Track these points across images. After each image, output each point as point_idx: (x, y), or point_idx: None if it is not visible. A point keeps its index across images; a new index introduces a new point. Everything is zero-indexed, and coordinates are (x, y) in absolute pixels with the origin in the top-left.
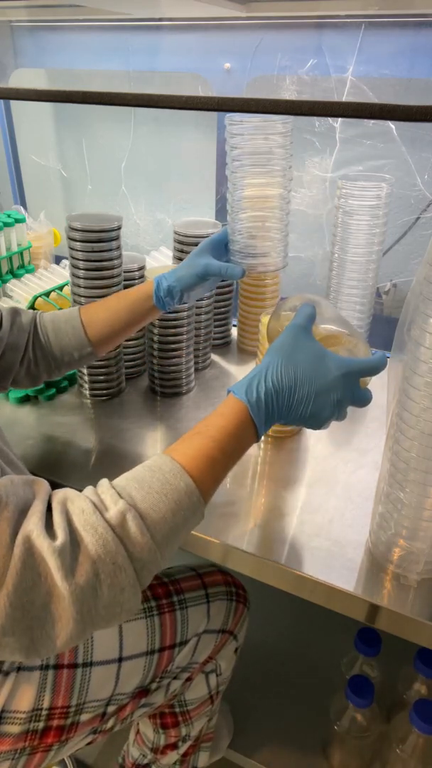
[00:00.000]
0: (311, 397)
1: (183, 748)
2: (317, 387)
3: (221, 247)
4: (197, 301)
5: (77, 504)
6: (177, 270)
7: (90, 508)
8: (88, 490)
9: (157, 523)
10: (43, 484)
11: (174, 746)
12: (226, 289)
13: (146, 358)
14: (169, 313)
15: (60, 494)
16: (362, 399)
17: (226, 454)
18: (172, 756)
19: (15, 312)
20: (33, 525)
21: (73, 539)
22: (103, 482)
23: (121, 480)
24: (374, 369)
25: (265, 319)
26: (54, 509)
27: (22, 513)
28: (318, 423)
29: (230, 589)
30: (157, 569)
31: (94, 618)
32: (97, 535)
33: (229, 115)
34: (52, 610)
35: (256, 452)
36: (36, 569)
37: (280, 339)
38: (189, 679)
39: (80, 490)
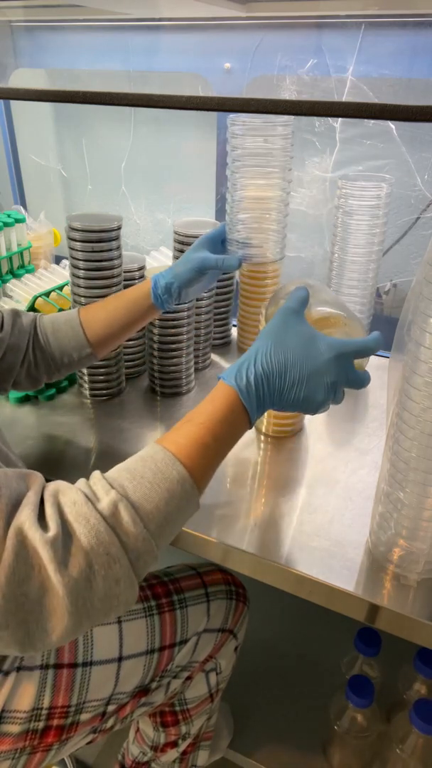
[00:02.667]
0: (303, 381)
1: (183, 746)
2: (309, 369)
3: (218, 243)
4: (197, 300)
5: (69, 496)
6: (174, 267)
7: (81, 500)
8: (81, 482)
9: (150, 512)
10: (37, 477)
11: (174, 744)
12: (226, 289)
13: (146, 358)
14: (169, 313)
15: (52, 486)
16: (358, 381)
17: (219, 441)
18: (172, 754)
19: (16, 314)
20: (25, 517)
21: (66, 531)
22: (95, 474)
23: (113, 471)
24: (368, 350)
25: (264, 309)
26: (46, 501)
27: (15, 505)
28: (313, 407)
29: (230, 588)
30: (154, 560)
31: (90, 611)
32: (89, 526)
33: (231, 115)
34: (46, 604)
35: (256, 452)
36: (29, 561)
37: (271, 323)
38: (189, 678)
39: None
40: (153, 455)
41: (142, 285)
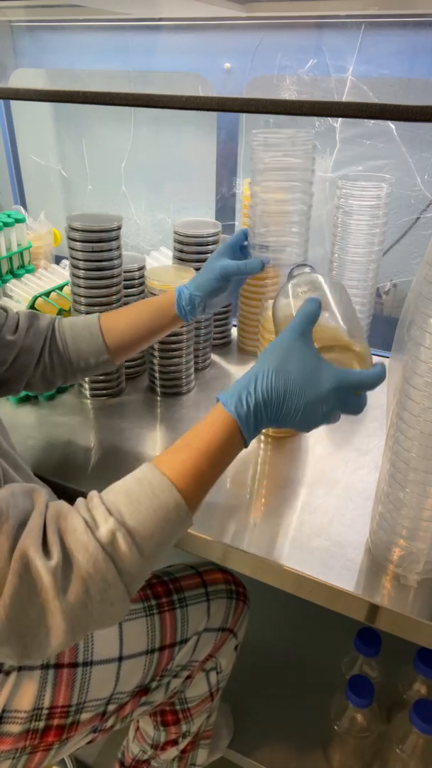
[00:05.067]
0: (300, 409)
1: (182, 745)
2: (307, 399)
3: (236, 249)
4: None
5: (70, 522)
6: (195, 278)
7: (81, 527)
8: (80, 504)
9: (145, 539)
10: (42, 494)
11: (174, 742)
12: None
13: (146, 358)
14: None
15: (54, 508)
16: (354, 408)
17: (214, 467)
18: (172, 752)
19: (33, 316)
20: (30, 542)
21: (66, 558)
22: (94, 497)
23: (111, 494)
24: (370, 384)
25: (267, 312)
26: (48, 526)
27: (21, 526)
28: (307, 429)
29: (230, 587)
30: (145, 579)
31: (86, 628)
32: (88, 555)
33: (254, 130)
34: (45, 623)
35: (256, 452)
36: (32, 584)
37: (275, 343)
38: (189, 677)
39: (77, 494)
40: (150, 480)
41: (167, 295)
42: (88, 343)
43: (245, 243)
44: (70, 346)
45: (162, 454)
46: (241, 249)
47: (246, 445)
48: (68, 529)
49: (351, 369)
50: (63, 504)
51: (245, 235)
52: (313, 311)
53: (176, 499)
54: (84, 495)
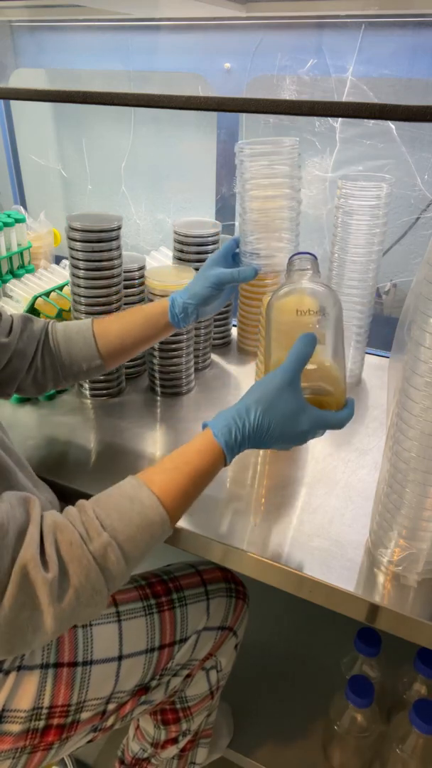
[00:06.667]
0: (279, 439)
1: (182, 743)
2: (288, 435)
3: (229, 258)
4: None
5: (66, 536)
6: (190, 287)
7: (77, 541)
8: (74, 516)
9: (132, 552)
10: (35, 504)
11: (174, 741)
12: None
13: (146, 358)
14: None
15: (50, 520)
16: (334, 427)
17: (198, 489)
18: (172, 750)
19: (27, 319)
20: (30, 556)
21: (62, 571)
22: (87, 508)
23: (103, 508)
24: (340, 426)
25: (265, 299)
26: (45, 538)
27: (19, 539)
28: (287, 449)
29: (230, 586)
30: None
31: (68, 627)
32: (81, 567)
33: (238, 143)
34: (35, 624)
35: (256, 452)
36: (29, 593)
37: (268, 384)
38: (189, 676)
39: (77, 494)
40: (142, 500)
41: (160, 303)
42: (81, 347)
43: (237, 250)
44: (63, 351)
45: (151, 471)
46: (233, 256)
47: (227, 465)
48: (64, 542)
49: (327, 412)
50: (57, 515)
51: (237, 242)
52: (307, 353)
53: (163, 517)
54: (84, 496)
